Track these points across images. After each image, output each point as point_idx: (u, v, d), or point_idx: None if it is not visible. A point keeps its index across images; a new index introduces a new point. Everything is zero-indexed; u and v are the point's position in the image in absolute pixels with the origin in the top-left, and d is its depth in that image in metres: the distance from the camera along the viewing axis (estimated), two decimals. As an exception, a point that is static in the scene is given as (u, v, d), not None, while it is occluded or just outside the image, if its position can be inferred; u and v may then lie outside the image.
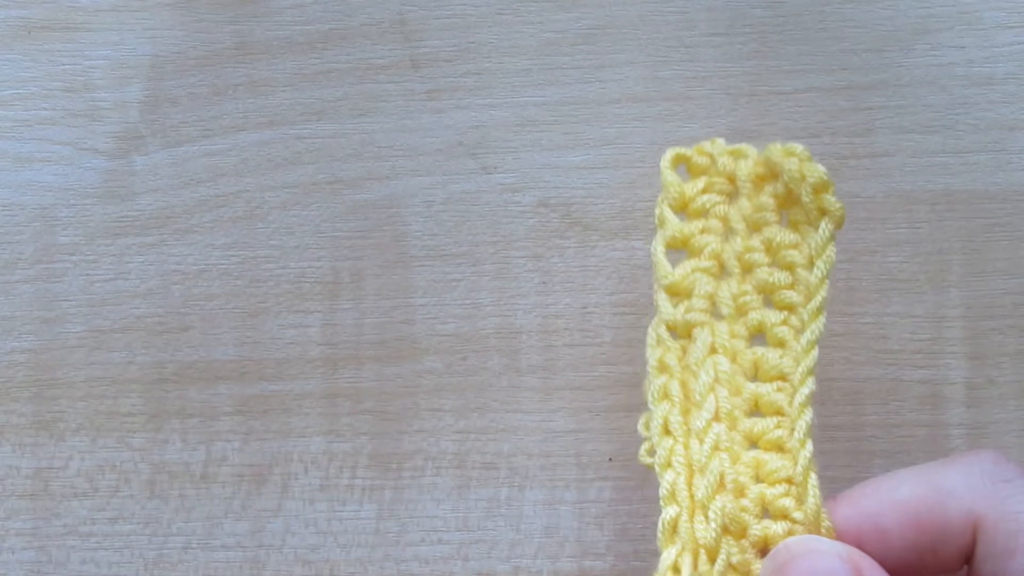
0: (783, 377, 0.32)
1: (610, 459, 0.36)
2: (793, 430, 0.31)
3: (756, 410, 0.32)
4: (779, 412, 0.32)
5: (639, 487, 0.36)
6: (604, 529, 0.36)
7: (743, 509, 0.31)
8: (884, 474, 0.30)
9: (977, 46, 0.37)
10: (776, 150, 0.33)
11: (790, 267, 0.33)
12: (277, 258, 0.37)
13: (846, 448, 0.34)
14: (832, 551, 0.29)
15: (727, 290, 0.33)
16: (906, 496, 0.29)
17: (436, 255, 0.37)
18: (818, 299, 0.32)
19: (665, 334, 0.33)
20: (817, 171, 0.32)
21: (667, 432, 0.32)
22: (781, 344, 0.32)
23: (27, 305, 0.37)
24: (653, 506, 0.32)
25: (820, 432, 0.34)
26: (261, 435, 0.37)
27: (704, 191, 0.33)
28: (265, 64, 0.37)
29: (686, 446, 0.32)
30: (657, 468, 0.32)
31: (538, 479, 0.36)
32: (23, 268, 0.37)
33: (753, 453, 0.31)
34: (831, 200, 0.32)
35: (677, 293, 0.33)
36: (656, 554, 0.31)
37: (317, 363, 0.37)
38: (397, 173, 0.37)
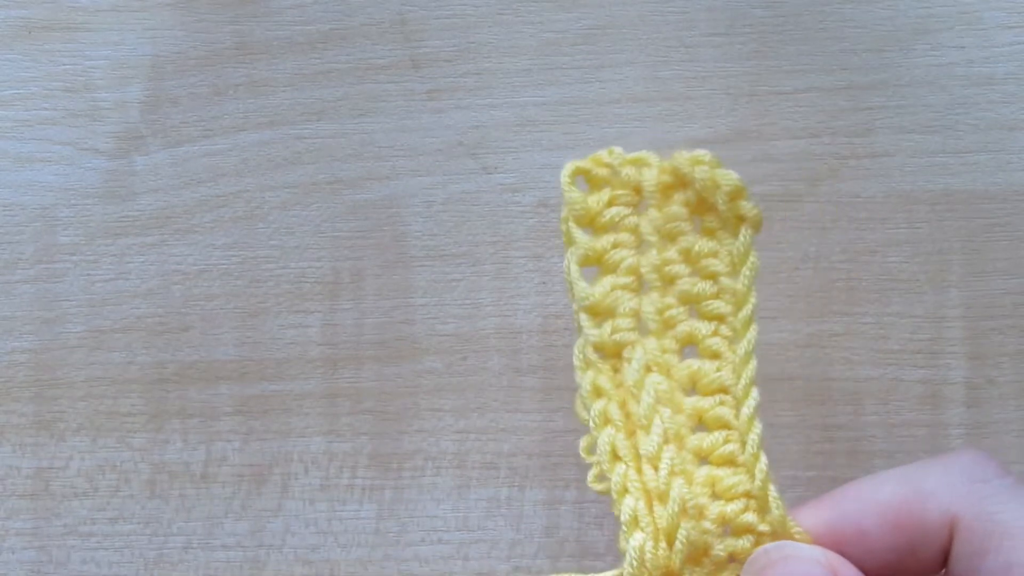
0: (724, 390, 0.32)
1: (610, 459, 0.36)
2: (744, 443, 0.31)
3: (700, 424, 0.32)
4: (726, 426, 0.31)
5: (639, 487, 0.36)
6: (604, 529, 0.36)
7: (705, 532, 0.30)
8: (865, 476, 0.30)
9: (977, 46, 0.37)
10: (683, 159, 0.31)
11: (712, 276, 0.32)
12: (277, 258, 0.37)
13: (846, 448, 0.34)
14: (810, 555, 0.29)
15: (651, 305, 0.32)
16: (886, 497, 0.29)
17: (436, 255, 0.37)
18: (748, 308, 0.32)
19: (593, 355, 0.32)
20: (730, 178, 0.31)
21: (616, 457, 0.31)
22: (715, 356, 0.32)
23: (27, 305, 0.37)
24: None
25: (820, 432, 0.34)
26: (261, 435, 0.37)
27: (609, 204, 0.32)
28: (265, 64, 0.37)
29: (638, 470, 0.31)
30: (614, 495, 0.31)
31: (538, 479, 0.36)
32: (23, 268, 0.37)
33: (705, 470, 0.31)
34: (747, 206, 0.31)
35: (599, 313, 0.32)
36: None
37: (317, 363, 0.37)
38: (397, 173, 0.37)
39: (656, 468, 0.31)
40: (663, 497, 0.31)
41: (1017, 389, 0.36)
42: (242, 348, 0.37)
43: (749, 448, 0.31)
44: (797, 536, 0.30)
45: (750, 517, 0.30)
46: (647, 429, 0.31)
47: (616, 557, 0.36)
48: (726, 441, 0.31)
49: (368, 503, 0.36)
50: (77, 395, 0.37)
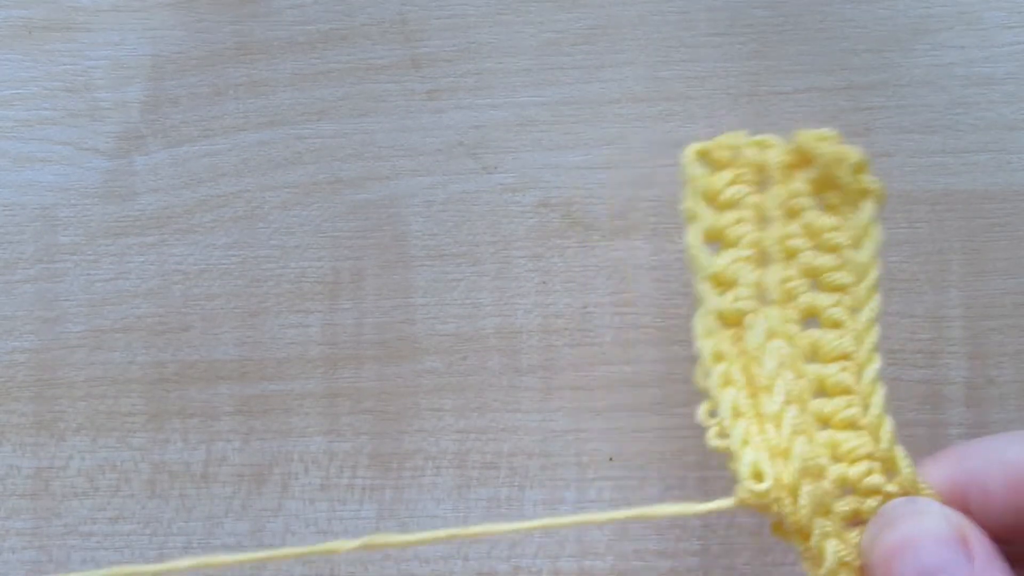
0: (846, 356, 0.32)
1: (610, 459, 0.36)
2: (867, 407, 0.31)
3: (821, 391, 0.32)
4: (847, 391, 0.32)
5: (639, 487, 0.36)
6: (604, 529, 0.36)
7: (827, 492, 0.31)
8: (988, 436, 0.30)
9: (977, 46, 0.37)
10: (808, 136, 0.33)
11: (835, 249, 0.33)
12: (277, 258, 0.37)
13: (846, 448, 0.34)
14: (939, 513, 0.29)
15: (773, 276, 0.33)
16: (1013, 458, 0.28)
17: (436, 255, 0.37)
18: (872, 277, 0.32)
19: (715, 323, 0.33)
20: (855, 152, 0.32)
21: (738, 415, 0.32)
22: (837, 325, 0.32)
23: (28, 305, 0.37)
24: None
25: (820, 432, 0.34)
26: (261, 435, 0.37)
27: (732, 183, 0.33)
28: (265, 64, 0.37)
29: (761, 430, 0.32)
30: (735, 448, 0.31)
31: (538, 479, 0.36)
32: (24, 268, 0.37)
33: (827, 434, 0.31)
34: (871, 179, 0.32)
35: (720, 283, 0.33)
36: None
37: (317, 363, 0.37)
38: (397, 173, 0.37)
39: (778, 427, 0.31)
40: (786, 454, 0.31)
41: (1017, 389, 0.36)
42: (242, 348, 0.37)
43: (873, 411, 0.31)
44: (926, 494, 0.30)
45: (876, 479, 0.31)
46: (770, 390, 0.32)
47: (617, 557, 0.36)
48: (848, 406, 0.32)
49: (368, 503, 0.36)
50: (77, 395, 0.37)
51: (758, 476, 0.31)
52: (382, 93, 0.37)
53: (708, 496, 0.36)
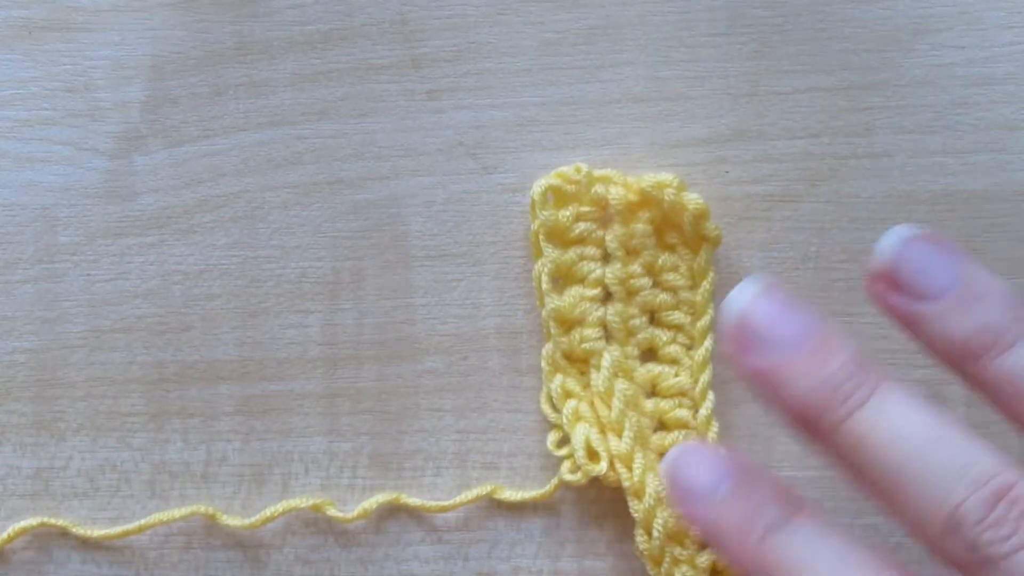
0: (683, 394, 0.36)
1: (610, 459, 0.36)
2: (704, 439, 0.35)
3: (661, 426, 0.36)
4: (684, 426, 0.35)
5: (639, 487, 0.36)
6: (604, 529, 0.36)
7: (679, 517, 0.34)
8: None
9: (977, 46, 0.37)
10: (650, 181, 0.35)
11: (673, 289, 0.36)
12: (277, 258, 0.37)
13: (846, 448, 0.34)
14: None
15: (615, 314, 0.35)
16: None
17: (436, 255, 0.37)
18: (707, 318, 0.35)
19: (561, 360, 0.35)
20: (696, 201, 0.35)
21: (592, 454, 0.35)
22: (674, 362, 0.36)
23: (28, 305, 0.37)
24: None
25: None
26: (261, 435, 0.37)
27: (577, 219, 0.35)
28: (265, 64, 0.37)
29: (612, 469, 0.35)
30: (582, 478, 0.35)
31: (538, 479, 0.36)
32: (24, 268, 0.37)
33: None
34: (710, 227, 0.35)
35: (566, 321, 0.35)
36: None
37: (317, 363, 0.37)
38: (397, 173, 0.37)
39: (629, 468, 0.35)
40: (638, 492, 0.35)
41: (1017, 389, 0.36)
42: (242, 348, 0.37)
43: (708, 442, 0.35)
44: None
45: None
46: (618, 432, 0.35)
47: (617, 557, 0.36)
48: (686, 439, 0.35)
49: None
50: (77, 395, 0.37)
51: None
52: (382, 93, 0.37)
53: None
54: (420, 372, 0.37)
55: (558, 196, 0.35)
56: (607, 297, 0.36)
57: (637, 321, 0.35)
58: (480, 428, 0.37)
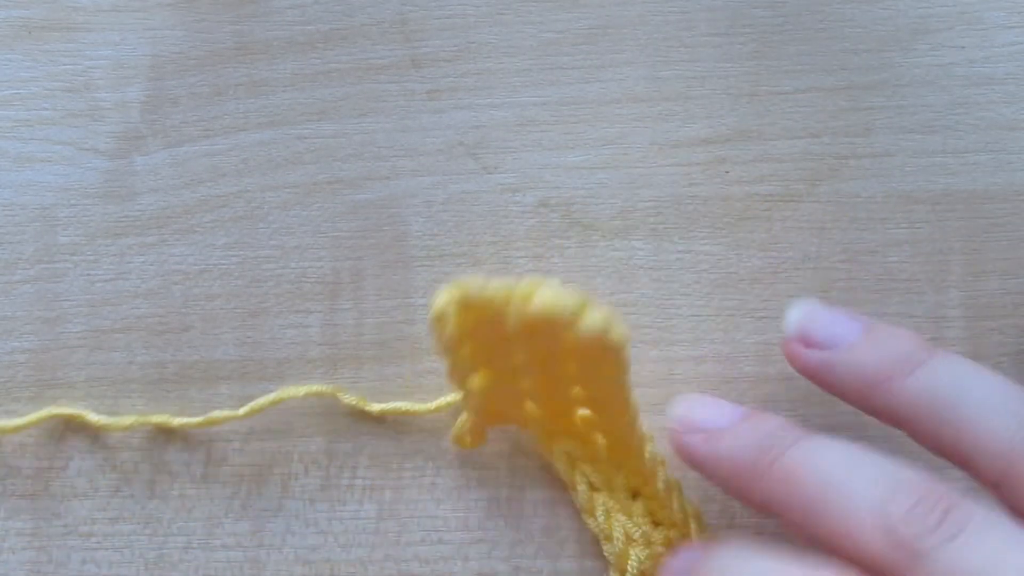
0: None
1: (610, 459, 0.36)
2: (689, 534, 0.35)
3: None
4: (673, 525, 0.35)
5: (639, 487, 0.36)
6: (604, 529, 0.36)
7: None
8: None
9: (977, 46, 0.37)
10: (541, 309, 0.28)
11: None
12: (277, 258, 0.37)
13: (846, 448, 0.34)
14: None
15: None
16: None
17: (436, 255, 0.37)
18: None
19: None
20: (610, 333, 0.29)
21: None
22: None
23: (28, 305, 0.37)
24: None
25: (821, 432, 0.34)
26: (261, 435, 0.37)
27: (469, 335, 0.31)
28: (265, 64, 0.37)
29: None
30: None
31: (538, 479, 0.36)
32: (24, 268, 0.37)
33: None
34: (612, 339, 0.29)
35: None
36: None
37: (317, 363, 0.37)
38: (397, 173, 0.37)
39: (592, 514, 0.35)
40: (607, 535, 0.35)
41: (1017, 389, 0.36)
42: (242, 348, 0.37)
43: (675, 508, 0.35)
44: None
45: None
46: (609, 539, 0.35)
47: (616, 557, 0.36)
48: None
49: (368, 503, 0.36)
50: (77, 395, 0.37)
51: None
52: (382, 93, 0.37)
53: (709, 497, 0.36)
54: (420, 372, 0.37)
55: (458, 313, 0.30)
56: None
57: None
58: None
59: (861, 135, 0.37)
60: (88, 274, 0.37)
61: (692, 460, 0.33)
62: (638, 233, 0.37)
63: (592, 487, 0.35)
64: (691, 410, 0.33)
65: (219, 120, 0.37)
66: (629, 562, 0.34)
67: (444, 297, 0.30)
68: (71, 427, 0.37)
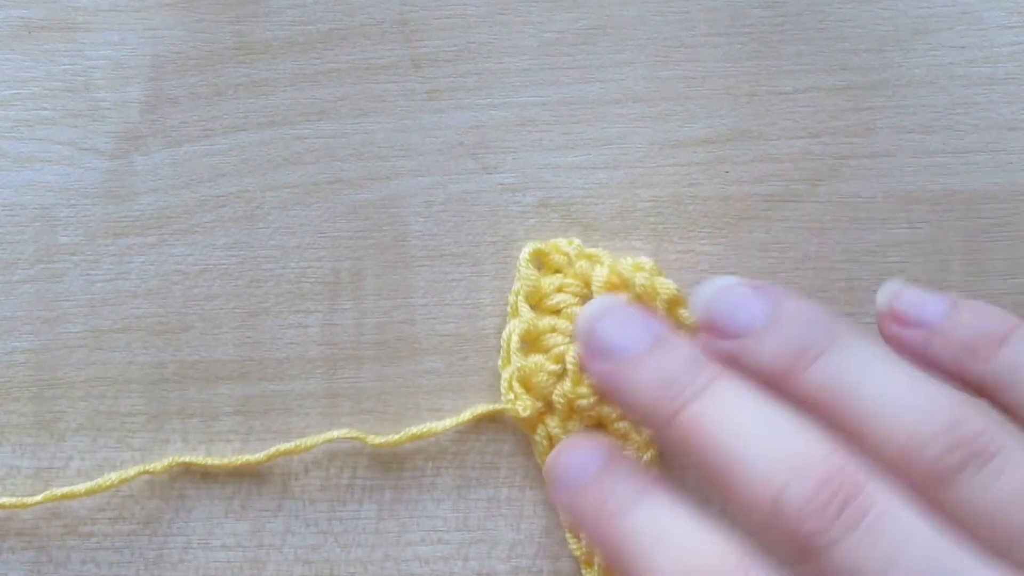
0: None
1: (610, 459, 0.36)
2: None
3: None
4: None
5: (639, 487, 0.36)
6: (604, 529, 0.36)
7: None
8: None
9: (977, 46, 0.37)
10: (626, 265, 0.35)
11: None
12: (277, 258, 0.37)
13: (846, 448, 0.34)
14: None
15: (561, 393, 0.35)
16: None
17: (436, 255, 0.37)
18: None
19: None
20: (668, 287, 0.34)
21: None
22: (623, 437, 0.35)
23: (27, 305, 0.37)
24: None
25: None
26: (261, 435, 0.37)
27: (559, 290, 0.36)
28: (265, 64, 0.37)
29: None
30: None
31: (538, 479, 0.36)
32: (23, 268, 0.37)
33: None
34: (685, 315, 0.34)
35: (525, 385, 0.35)
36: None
37: (317, 363, 0.37)
38: (397, 173, 0.37)
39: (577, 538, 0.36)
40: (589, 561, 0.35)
41: (1017, 389, 0.36)
42: (242, 348, 0.37)
43: None
44: None
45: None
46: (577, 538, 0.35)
47: (616, 557, 0.36)
48: None
49: (368, 503, 0.36)
50: (77, 395, 0.37)
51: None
52: (382, 93, 0.37)
53: (709, 499, 0.36)
54: (420, 372, 0.37)
55: (545, 262, 0.36)
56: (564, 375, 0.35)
57: (585, 402, 0.35)
58: (480, 428, 0.37)
59: (861, 135, 0.37)
60: (88, 274, 0.37)
61: (600, 391, 0.33)
62: (638, 233, 0.37)
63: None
64: (600, 320, 0.32)
65: (219, 120, 0.37)
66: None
67: (539, 245, 0.35)
68: (71, 427, 0.37)
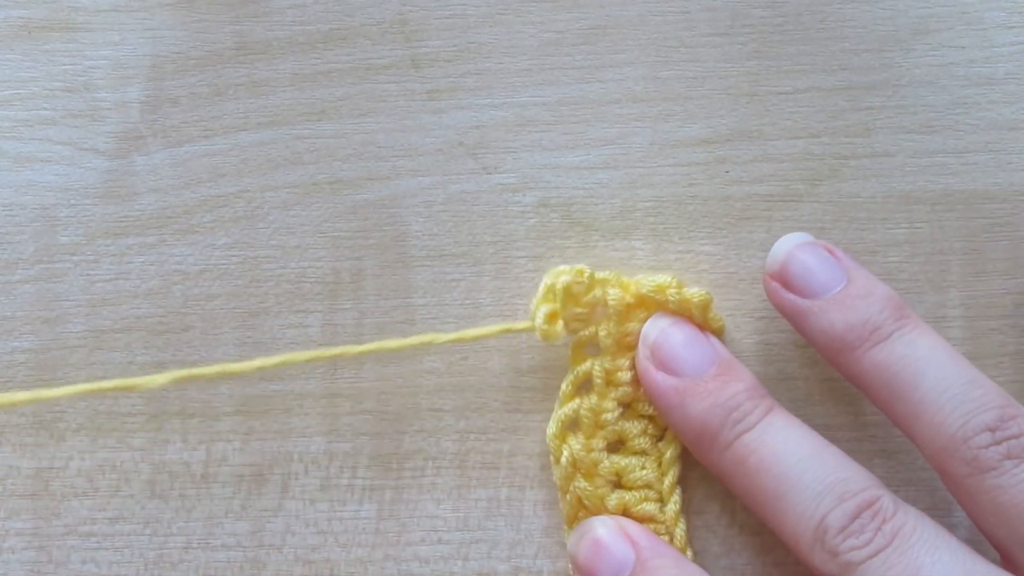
0: (649, 486, 0.35)
1: (610, 459, 0.36)
2: (672, 536, 0.35)
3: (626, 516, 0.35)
4: (651, 520, 0.35)
5: (639, 487, 0.36)
6: (604, 529, 0.36)
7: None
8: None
9: (977, 46, 0.37)
10: (650, 285, 0.35)
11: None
12: (277, 258, 0.37)
13: (846, 448, 0.34)
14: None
15: (589, 406, 0.35)
16: None
17: (436, 255, 0.37)
18: None
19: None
20: (700, 295, 0.35)
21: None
22: (642, 454, 0.35)
23: (28, 305, 0.37)
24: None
25: (821, 432, 0.34)
26: (261, 435, 0.37)
27: (573, 320, 0.35)
28: (265, 64, 0.37)
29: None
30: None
31: (538, 479, 0.36)
32: (24, 268, 0.37)
33: None
34: (715, 317, 0.35)
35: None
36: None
37: (317, 363, 0.37)
38: (397, 173, 0.37)
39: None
40: None
41: (1017, 389, 0.36)
42: (242, 348, 0.37)
43: (676, 543, 0.35)
44: None
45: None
46: (570, 525, 0.36)
47: (616, 557, 0.36)
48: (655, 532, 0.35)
49: (368, 503, 0.36)
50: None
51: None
52: (382, 93, 0.37)
53: (709, 496, 0.36)
54: (420, 372, 0.37)
55: (566, 294, 0.35)
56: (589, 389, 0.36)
57: (610, 415, 0.35)
58: (480, 428, 0.37)
59: (861, 135, 0.37)
60: (88, 274, 0.37)
61: (658, 407, 0.34)
62: (638, 233, 0.37)
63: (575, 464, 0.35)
64: (670, 334, 0.34)
65: (219, 120, 0.37)
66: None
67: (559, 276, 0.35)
68: (71, 427, 0.37)
